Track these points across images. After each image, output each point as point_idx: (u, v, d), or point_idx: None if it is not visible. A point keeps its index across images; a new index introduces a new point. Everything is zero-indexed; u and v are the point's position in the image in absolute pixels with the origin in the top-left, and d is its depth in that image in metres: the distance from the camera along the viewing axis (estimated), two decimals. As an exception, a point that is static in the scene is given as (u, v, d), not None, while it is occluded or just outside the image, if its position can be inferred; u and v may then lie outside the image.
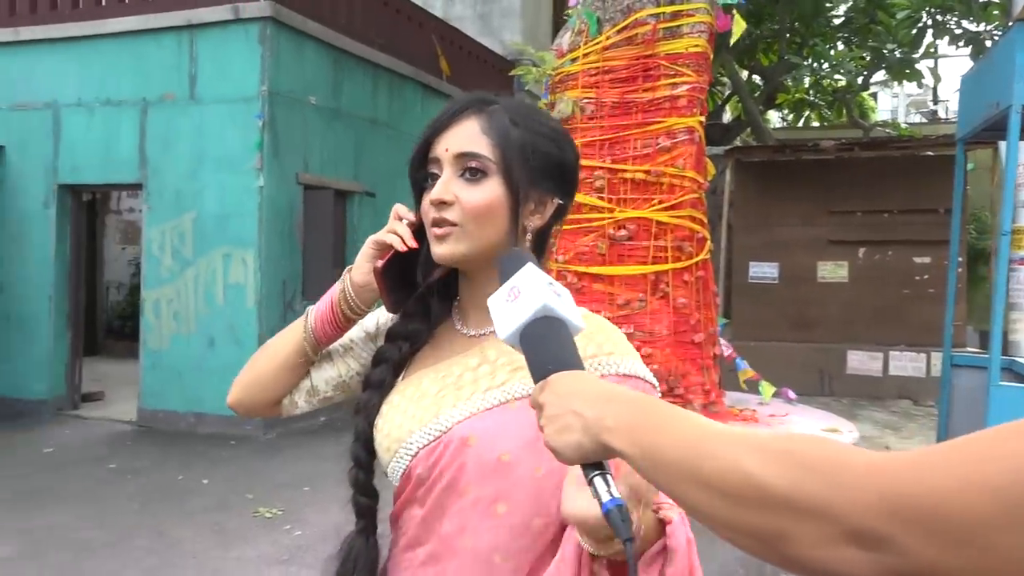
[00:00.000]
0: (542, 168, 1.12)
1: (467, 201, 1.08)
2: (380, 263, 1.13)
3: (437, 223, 1.10)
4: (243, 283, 7.67)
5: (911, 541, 0.50)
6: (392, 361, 1.17)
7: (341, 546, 1.16)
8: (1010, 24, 4.41)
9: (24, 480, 6.05)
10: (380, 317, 1.25)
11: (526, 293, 0.88)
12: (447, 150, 1.10)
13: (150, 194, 8.04)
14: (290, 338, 1.21)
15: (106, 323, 13.15)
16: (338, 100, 8.71)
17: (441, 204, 1.08)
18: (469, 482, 1.07)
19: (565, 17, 4.53)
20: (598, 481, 0.77)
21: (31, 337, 8.40)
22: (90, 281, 11.53)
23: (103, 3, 8.32)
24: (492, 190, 1.09)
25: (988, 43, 10.01)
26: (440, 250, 1.10)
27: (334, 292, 1.18)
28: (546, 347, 0.86)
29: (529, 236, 1.14)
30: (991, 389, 3.89)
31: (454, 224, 1.09)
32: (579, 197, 4.25)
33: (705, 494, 0.63)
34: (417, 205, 1.15)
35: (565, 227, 4.25)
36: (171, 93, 7.92)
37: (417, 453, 1.10)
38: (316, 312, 1.19)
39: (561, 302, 0.89)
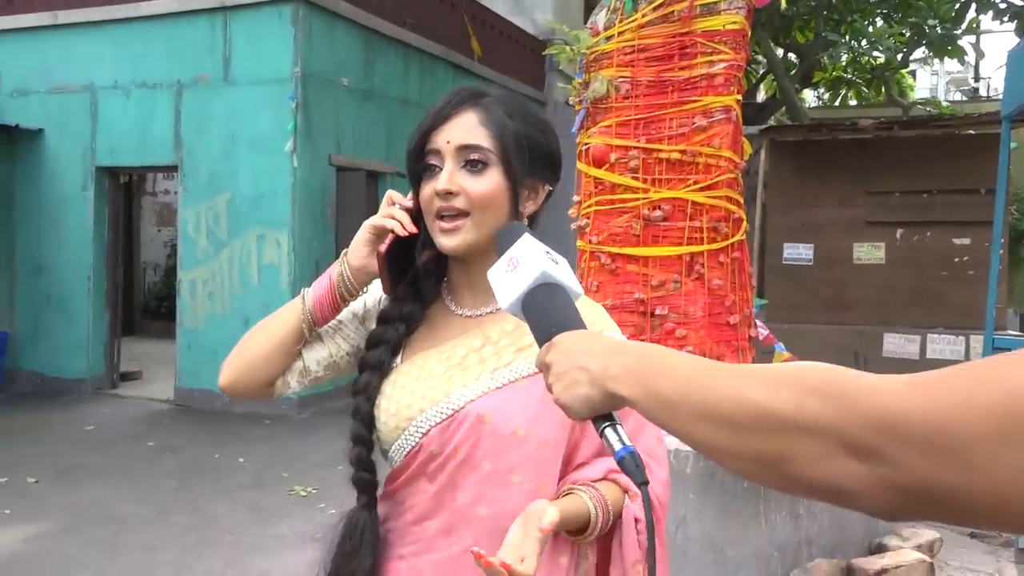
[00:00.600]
0: (535, 157, 1.20)
1: (472, 191, 1.15)
2: (383, 247, 1.18)
3: (445, 213, 1.15)
4: (277, 264, 7.74)
5: (906, 456, 0.52)
6: (390, 343, 1.22)
7: (344, 521, 1.20)
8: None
9: (65, 457, 6.19)
10: (368, 299, 1.29)
11: (525, 262, 0.92)
12: (448, 142, 1.16)
13: (185, 176, 8.12)
14: (286, 319, 1.24)
15: (143, 304, 13.37)
16: (370, 81, 8.71)
17: (448, 194, 1.14)
18: (485, 456, 1.14)
19: (600, -6, 4.47)
20: (608, 432, 0.80)
21: (71, 317, 8.56)
22: (127, 262, 11.69)
23: (138, -14, 8.38)
24: (494, 179, 1.16)
25: (1034, 18, 9.71)
26: (450, 242, 1.16)
27: (332, 274, 1.23)
28: (548, 312, 0.89)
29: (525, 221, 1.22)
30: (1035, 373, 3.80)
31: (464, 213, 1.15)
32: (613, 177, 4.22)
33: (711, 427, 0.66)
34: (416, 193, 1.20)
35: (599, 208, 4.22)
36: (205, 75, 7.98)
37: (429, 431, 1.16)
38: (314, 294, 1.23)
39: (559, 269, 0.92)
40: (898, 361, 9.58)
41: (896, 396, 0.54)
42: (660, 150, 4.18)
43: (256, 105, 7.77)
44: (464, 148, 1.16)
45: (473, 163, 1.16)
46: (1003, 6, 10.00)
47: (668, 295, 4.19)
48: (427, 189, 1.16)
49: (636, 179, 4.21)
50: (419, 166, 1.18)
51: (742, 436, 0.63)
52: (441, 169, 1.16)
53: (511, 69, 11.27)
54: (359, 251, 1.20)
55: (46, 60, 8.61)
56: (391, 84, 9.08)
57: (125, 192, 11.28)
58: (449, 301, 1.26)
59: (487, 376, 1.18)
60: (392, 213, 1.18)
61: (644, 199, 4.20)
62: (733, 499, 3.38)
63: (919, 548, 3.68)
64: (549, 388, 0.83)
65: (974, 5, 9.97)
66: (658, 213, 4.19)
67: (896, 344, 9.63)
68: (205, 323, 8.07)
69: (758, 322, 4.52)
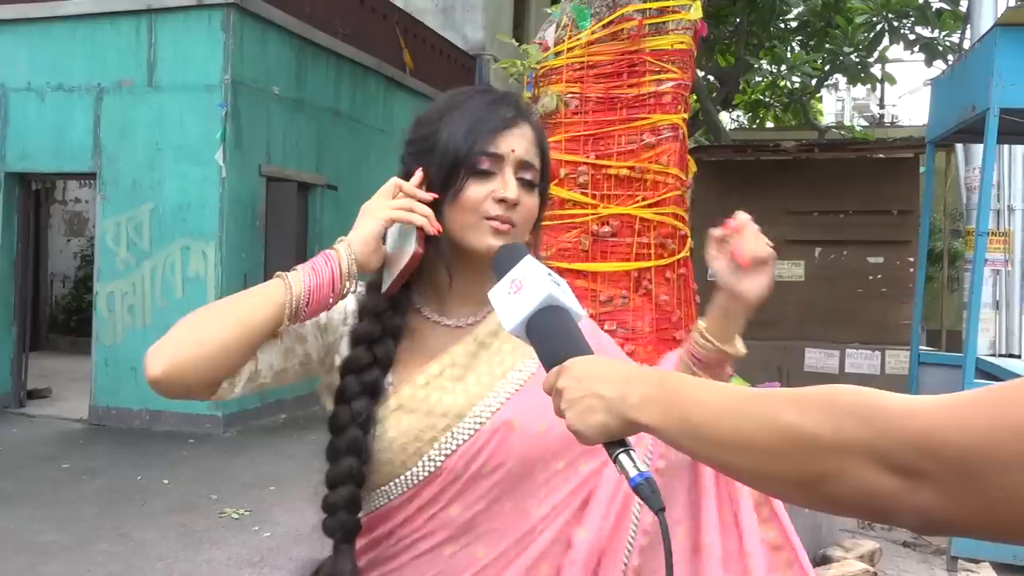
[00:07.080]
0: (547, 176, 1.20)
1: (525, 205, 1.14)
2: (420, 247, 1.10)
3: (502, 219, 1.12)
4: (203, 276, 7.47)
5: (946, 475, 0.54)
6: (384, 362, 1.11)
7: (318, 572, 1.10)
8: (967, 33, 4.49)
9: (-28, 481, 5.79)
10: (330, 310, 1.13)
11: (529, 284, 0.91)
12: (513, 151, 1.13)
13: (104, 184, 7.77)
14: (260, 305, 1.02)
15: (50, 317, 12.71)
16: (301, 91, 8.54)
17: (514, 205, 1.12)
18: (515, 463, 1.11)
19: (548, 11, 4.49)
20: (623, 458, 0.80)
21: (-26, 331, 8.05)
22: (34, 274, 11.10)
23: (56, -15, 8.00)
24: (535, 199, 1.16)
25: (940, 49, 10.26)
26: (498, 242, 1.10)
27: (335, 265, 1.05)
28: (555, 335, 0.89)
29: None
30: (966, 387, 3.97)
31: (514, 224, 1.13)
32: (562, 193, 4.21)
33: (746, 453, 0.67)
34: (441, 186, 1.12)
35: (548, 223, 4.20)
36: (128, 79, 7.66)
37: (456, 450, 1.09)
38: (308, 282, 1.03)
39: (561, 291, 0.92)
40: (819, 375, 9.91)
41: (933, 418, 0.56)
42: (609, 166, 4.20)
43: (183, 112, 7.50)
44: (524, 163, 1.14)
45: (528, 178, 1.15)
46: (912, 37, 10.54)
47: (616, 310, 4.21)
48: (481, 190, 1.11)
49: (585, 194, 4.23)
50: (472, 163, 1.11)
51: (779, 460, 0.64)
52: (495, 174, 1.12)
53: (442, 83, 11.22)
54: (369, 244, 1.07)
55: (-49, 59, 8.13)
56: (323, 94, 8.91)
57: (33, 200, 10.72)
58: (428, 311, 1.17)
59: (501, 381, 1.14)
60: (415, 207, 1.09)
61: (593, 215, 4.22)
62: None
63: (861, 558, 3.78)
64: (560, 413, 0.82)
65: (887, 35, 10.47)
66: (607, 229, 4.20)
67: (817, 359, 9.95)
68: (124, 338, 7.70)
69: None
